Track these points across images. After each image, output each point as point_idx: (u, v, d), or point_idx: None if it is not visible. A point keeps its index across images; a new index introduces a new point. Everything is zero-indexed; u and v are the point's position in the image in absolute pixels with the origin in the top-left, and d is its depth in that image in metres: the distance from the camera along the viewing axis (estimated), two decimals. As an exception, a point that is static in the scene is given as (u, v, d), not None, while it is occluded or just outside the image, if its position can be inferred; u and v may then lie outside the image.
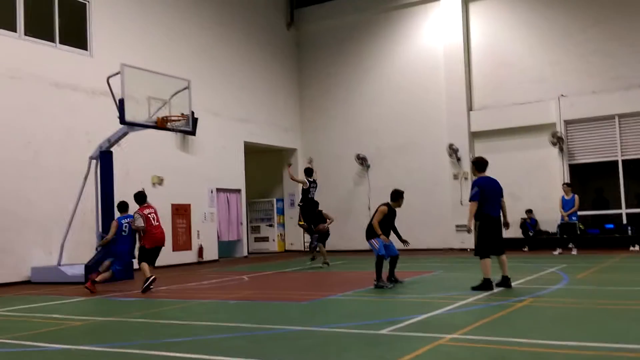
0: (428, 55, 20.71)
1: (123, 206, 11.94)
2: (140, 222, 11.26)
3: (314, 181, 14.93)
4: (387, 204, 10.30)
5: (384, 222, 10.11)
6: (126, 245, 11.61)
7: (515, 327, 6.42)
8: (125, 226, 11.56)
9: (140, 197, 11.64)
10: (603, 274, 11.51)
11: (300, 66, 23.41)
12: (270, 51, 22.21)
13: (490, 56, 19.87)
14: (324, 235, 14.79)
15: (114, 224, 11.71)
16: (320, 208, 14.95)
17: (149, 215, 11.39)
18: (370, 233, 10.14)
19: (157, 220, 11.52)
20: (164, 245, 11.72)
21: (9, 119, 13.64)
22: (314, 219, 14.63)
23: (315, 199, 14.90)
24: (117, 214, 12.16)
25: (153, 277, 10.92)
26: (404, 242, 10.41)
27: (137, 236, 11.57)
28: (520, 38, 19.45)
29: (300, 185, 14.99)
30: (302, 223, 15.00)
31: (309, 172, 15.08)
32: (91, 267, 12.52)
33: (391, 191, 10.47)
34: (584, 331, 6.14)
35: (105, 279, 11.41)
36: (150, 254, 11.38)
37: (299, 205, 15.29)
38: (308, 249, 15.48)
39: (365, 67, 21.94)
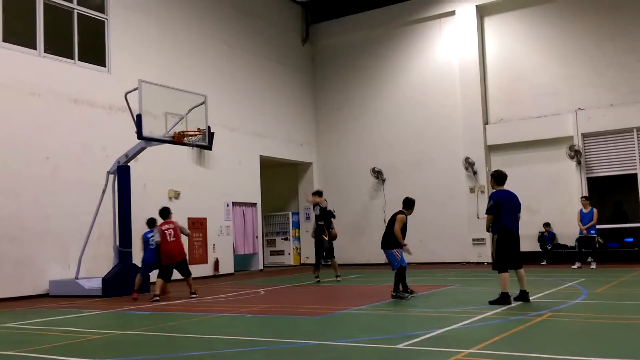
0: (443, 69, 20.72)
1: (150, 222, 12.53)
2: (157, 237, 11.72)
3: (318, 204, 15.07)
4: (402, 212, 10.31)
5: (402, 230, 10.13)
6: (152, 257, 12.23)
7: (534, 341, 6.34)
8: (152, 240, 12.17)
9: (163, 213, 12.28)
10: (622, 288, 11.35)
11: (316, 81, 23.53)
12: (286, 66, 22.36)
13: (505, 70, 19.83)
14: (331, 248, 14.83)
15: (141, 237, 12.65)
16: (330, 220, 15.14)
17: (166, 232, 11.68)
18: (390, 242, 10.11)
19: (174, 236, 11.79)
20: (179, 260, 11.99)
21: (28, 135, 13.84)
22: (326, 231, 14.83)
23: (329, 208, 15.18)
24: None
25: (157, 297, 11.59)
26: (408, 251, 10.34)
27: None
28: (535, 51, 19.40)
29: (319, 204, 15.04)
30: (327, 238, 14.92)
31: (319, 193, 15.28)
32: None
33: (404, 199, 10.53)
34: (603, 346, 6.05)
35: (140, 285, 12.40)
36: (165, 271, 11.78)
37: (320, 223, 15.13)
38: (323, 263, 15.35)
39: (380, 82, 21.99)
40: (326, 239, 14.83)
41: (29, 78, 14.00)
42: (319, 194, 15.21)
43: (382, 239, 10.44)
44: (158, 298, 11.57)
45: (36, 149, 13.97)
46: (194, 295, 11.87)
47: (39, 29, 14.39)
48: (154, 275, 12.56)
